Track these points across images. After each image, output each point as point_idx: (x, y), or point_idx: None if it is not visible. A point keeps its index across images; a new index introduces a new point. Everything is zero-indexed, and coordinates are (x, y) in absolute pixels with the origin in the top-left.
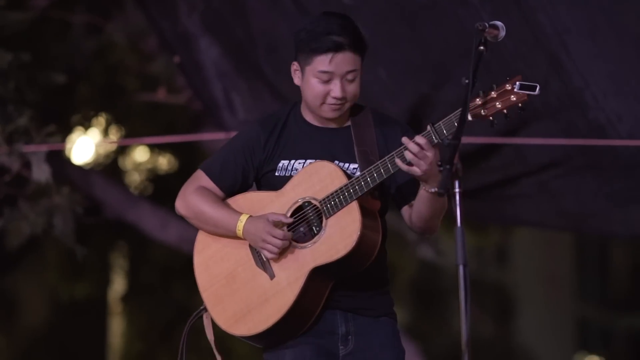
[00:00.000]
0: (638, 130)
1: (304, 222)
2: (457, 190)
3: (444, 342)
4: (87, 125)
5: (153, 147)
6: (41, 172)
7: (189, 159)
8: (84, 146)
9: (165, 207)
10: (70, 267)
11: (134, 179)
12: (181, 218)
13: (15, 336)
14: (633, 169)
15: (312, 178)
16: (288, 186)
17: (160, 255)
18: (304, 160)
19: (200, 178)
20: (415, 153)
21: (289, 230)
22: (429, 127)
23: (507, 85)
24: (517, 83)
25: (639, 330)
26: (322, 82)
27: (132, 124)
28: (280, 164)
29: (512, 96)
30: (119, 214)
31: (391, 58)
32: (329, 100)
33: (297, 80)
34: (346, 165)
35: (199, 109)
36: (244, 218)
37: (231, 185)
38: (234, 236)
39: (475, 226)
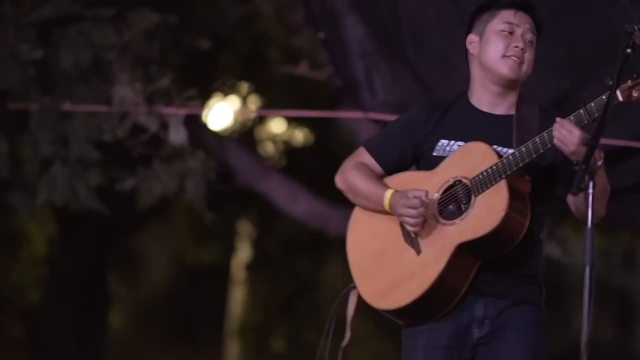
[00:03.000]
0: None
1: (454, 201)
2: (590, 191)
3: (563, 340)
4: (226, 93)
5: (290, 120)
6: (178, 135)
7: (325, 135)
8: (222, 113)
9: (296, 180)
10: (197, 232)
11: (269, 149)
12: (311, 193)
13: (138, 294)
14: None
15: (465, 158)
16: (442, 166)
17: (287, 228)
18: (463, 142)
19: (361, 154)
20: (561, 131)
21: (439, 209)
22: (581, 109)
23: None
24: None
25: None
26: (505, 35)
27: (272, 95)
28: (440, 143)
29: None
30: (250, 183)
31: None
32: (510, 51)
33: (473, 50)
34: (504, 150)
35: (338, 86)
36: (388, 194)
37: (389, 160)
38: (385, 213)
39: (605, 228)
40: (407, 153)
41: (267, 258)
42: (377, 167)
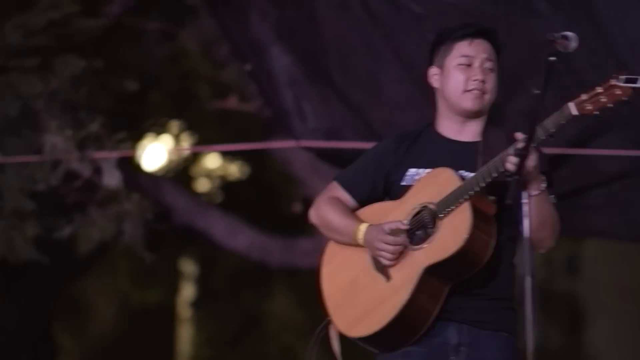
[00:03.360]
0: None
1: (421, 226)
2: (524, 201)
3: None
4: (158, 132)
5: (224, 155)
6: (112, 178)
7: (260, 167)
8: (155, 153)
9: (235, 214)
10: (139, 274)
11: (205, 186)
12: (250, 226)
13: (85, 342)
14: None
15: (431, 184)
16: (409, 193)
17: (229, 263)
18: (431, 170)
19: (333, 188)
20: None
21: (408, 236)
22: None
23: (612, 80)
24: (623, 77)
25: None
26: (463, 68)
27: (204, 131)
28: (408, 172)
29: (618, 90)
30: (189, 220)
31: None
32: (470, 85)
33: (435, 84)
34: (470, 174)
35: (269, 117)
36: (363, 227)
37: (362, 193)
38: (357, 245)
39: None
40: (379, 184)
41: (211, 294)
42: (350, 201)
